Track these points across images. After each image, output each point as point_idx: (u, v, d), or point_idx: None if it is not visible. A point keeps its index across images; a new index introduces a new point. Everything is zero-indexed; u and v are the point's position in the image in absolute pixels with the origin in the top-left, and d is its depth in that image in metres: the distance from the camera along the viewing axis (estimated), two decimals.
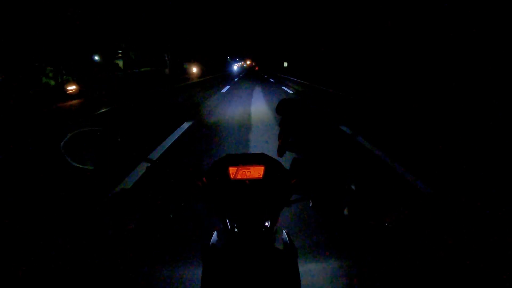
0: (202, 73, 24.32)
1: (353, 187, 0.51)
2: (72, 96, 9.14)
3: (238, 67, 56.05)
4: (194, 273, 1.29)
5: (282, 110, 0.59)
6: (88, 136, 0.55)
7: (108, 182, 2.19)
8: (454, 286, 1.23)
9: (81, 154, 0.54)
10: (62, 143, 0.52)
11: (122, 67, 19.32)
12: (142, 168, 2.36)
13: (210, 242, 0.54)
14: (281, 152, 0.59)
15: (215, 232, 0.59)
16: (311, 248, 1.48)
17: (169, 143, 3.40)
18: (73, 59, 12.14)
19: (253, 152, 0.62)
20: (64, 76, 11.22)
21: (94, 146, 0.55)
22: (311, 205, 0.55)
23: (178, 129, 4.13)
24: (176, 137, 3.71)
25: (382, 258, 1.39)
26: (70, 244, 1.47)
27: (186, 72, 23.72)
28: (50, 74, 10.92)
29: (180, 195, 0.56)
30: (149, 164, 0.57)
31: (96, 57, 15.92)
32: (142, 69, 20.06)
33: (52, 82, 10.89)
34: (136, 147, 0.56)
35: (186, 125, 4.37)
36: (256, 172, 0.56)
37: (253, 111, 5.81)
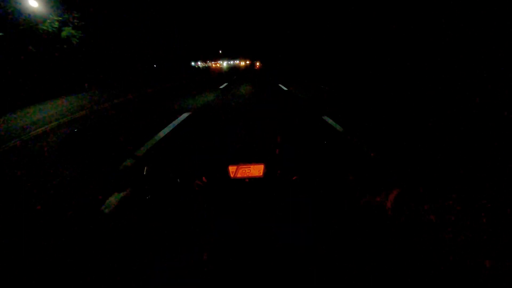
0: None
1: (351, 178, 0.51)
2: None
3: None
4: (195, 273, 1.28)
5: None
6: (89, 134, 0.55)
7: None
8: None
9: (81, 151, 0.54)
10: (62, 140, 0.52)
11: None
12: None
13: (211, 242, 0.54)
14: (280, 147, 0.59)
15: (216, 231, 0.59)
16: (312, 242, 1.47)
17: None
18: None
19: None
20: None
21: (95, 144, 0.55)
22: (312, 200, 0.55)
23: None
24: None
25: (384, 253, 1.38)
26: (67, 242, 1.47)
27: None
28: None
29: (180, 194, 0.56)
30: (148, 165, 0.57)
31: None
32: None
33: None
34: (135, 147, 0.55)
35: None
36: (256, 170, 0.55)
37: None
